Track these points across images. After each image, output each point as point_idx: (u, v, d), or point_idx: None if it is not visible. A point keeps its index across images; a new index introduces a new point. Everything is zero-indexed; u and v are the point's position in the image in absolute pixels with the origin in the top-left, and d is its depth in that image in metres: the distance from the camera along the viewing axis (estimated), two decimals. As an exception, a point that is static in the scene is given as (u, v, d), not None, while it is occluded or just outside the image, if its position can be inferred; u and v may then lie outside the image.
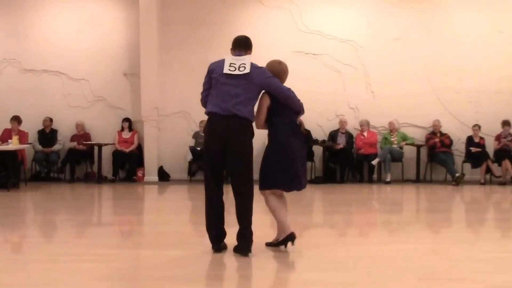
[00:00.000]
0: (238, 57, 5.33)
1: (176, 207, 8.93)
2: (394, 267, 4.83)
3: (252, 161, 5.30)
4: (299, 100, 5.50)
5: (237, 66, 5.24)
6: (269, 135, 5.50)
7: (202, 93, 5.38)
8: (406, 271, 4.71)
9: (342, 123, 12.34)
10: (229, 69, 5.23)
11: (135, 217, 8.03)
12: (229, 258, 5.12)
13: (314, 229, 7.01)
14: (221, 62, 5.35)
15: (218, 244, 5.27)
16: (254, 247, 5.25)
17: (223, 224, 5.31)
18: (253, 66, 5.30)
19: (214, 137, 5.16)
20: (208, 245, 5.35)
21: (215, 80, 5.27)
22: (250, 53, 5.43)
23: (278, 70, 5.56)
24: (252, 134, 5.29)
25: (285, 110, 5.46)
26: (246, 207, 5.22)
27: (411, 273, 4.63)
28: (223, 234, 5.33)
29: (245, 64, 5.25)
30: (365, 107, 12.60)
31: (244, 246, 5.14)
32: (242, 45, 5.43)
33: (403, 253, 5.43)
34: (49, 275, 4.52)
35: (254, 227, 5.23)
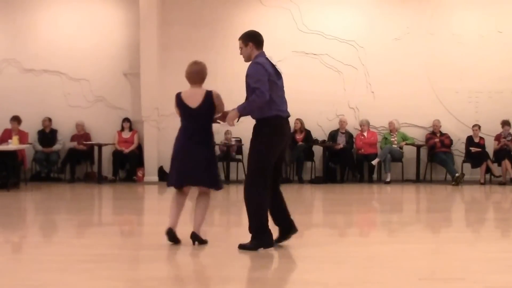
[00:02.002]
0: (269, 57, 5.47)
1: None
2: (394, 267, 4.84)
3: None
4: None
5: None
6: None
7: (267, 92, 5.23)
8: (406, 271, 4.71)
9: (342, 123, 12.34)
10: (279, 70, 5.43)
11: (135, 217, 8.04)
12: (229, 259, 5.12)
13: (314, 229, 7.01)
14: (269, 63, 5.37)
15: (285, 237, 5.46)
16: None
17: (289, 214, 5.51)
18: None
19: (284, 139, 5.42)
20: (208, 244, 5.35)
21: (273, 83, 5.31)
22: None
23: (189, 71, 5.77)
24: None
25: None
26: None
27: (411, 273, 4.63)
28: (291, 225, 5.49)
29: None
30: (365, 107, 12.60)
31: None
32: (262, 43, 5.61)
33: (403, 253, 5.43)
34: (49, 275, 4.52)
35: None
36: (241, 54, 5.56)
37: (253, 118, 5.41)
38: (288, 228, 5.48)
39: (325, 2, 12.67)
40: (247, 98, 5.36)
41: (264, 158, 5.24)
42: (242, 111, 5.30)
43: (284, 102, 5.43)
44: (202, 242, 5.47)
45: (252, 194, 5.25)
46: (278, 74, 5.41)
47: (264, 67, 5.28)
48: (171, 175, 5.60)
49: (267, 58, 5.42)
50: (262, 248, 5.24)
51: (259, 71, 5.24)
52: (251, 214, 5.27)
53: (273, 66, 5.39)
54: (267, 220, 5.28)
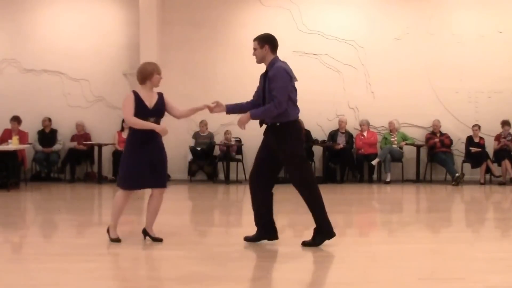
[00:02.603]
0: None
1: (176, 207, 8.92)
2: (394, 267, 4.84)
3: None
4: None
5: None
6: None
7: (285, 103, 5.36)
8: (406, 270, 4.71)
9: (341, 123, 12.34)
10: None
11: (135, 217, 8.03)
12: (229, 259, 5.13)
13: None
14: (290, 68, 5.50)
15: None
16: (252, 248, 5.25)
17: None
18: None
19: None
20: (208, 245, 5.35)
21: (293, 88, 5.48)
22: None
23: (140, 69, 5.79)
24: None
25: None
26: None
27: (411, 273, 4.63)
28: (273, 230, 5.66)
29: None
30: (365, 107, 12.60)
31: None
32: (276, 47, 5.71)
33: (403, 253, 5.44)
34: (49, 275, 4.52)
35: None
36: (254, 54, 5.60)
37: (268, 123, 5.50)
38: (268, 232, 5.53)
39: (325, 2, 12.67)
40: (264, 97, 5.44)
41: (303, 157, 5.45)
42: (255, 117, 5.41)
43: (296, 106, 5.59)
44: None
45: (313, 191, 5.47)
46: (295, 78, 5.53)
47: (289, 74, 5.40)
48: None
49: (285, 63, 5.48)
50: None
51: (285, 78, 5.34)
52: (320, 211, 5.49)
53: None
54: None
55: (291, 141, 5.35)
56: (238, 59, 12.01)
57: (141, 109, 5.56)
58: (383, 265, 4.90)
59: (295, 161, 5.38)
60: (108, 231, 5.72)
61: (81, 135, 12.31)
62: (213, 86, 12.27)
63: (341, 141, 12.25)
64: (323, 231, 5.43)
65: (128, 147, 5.62)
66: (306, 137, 12.29)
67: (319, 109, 12.42)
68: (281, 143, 5.36)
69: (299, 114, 5.59)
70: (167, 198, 10.55)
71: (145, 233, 5.77)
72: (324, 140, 12.35)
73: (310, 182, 5.45)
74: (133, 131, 5.65)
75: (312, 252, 5.36)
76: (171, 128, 12.85)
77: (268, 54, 5.52)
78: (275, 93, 5.26)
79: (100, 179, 11.80)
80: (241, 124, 5.46)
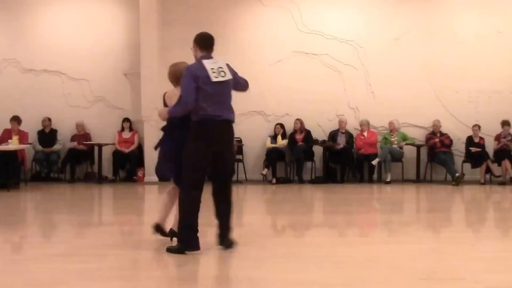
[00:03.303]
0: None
1: (176, 207, 8.91)
2: (394, 267, 4.83)
3: None
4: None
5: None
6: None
7: (189, 102, 5.23)
8: (407, 271, 4.71)
9: (341, 123, 12.33)
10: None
11: (136, 217, 8.03)
12: (229, 258, 5.12)
13: (314, 229, 7.01)
14: (202, 68, 5.34)
15: None
16: (251, 248, 5.24)
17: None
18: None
19: (210, 143, 5.31)
20: (208, 244, 5.35)
21: (201, 89, 5.24)
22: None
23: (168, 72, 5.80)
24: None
25: None
26: None
27: (412, 273, 4.63)
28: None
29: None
30: (365, 107, 12.59)
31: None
32: (213, 45, 5.55)
33: (404, 253, 5.43)
34: (49, 275, 4.52)
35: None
36: None
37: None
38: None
39: (325, 2, 12.66)
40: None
41: (188, 160, 5.21)
42: (169, 114, 5.38)
43: (217, 106, 5.26)
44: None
45: (180, 193, 5.28)
46: (210, 78, 5.27)
47: (193, 74, 5.25)
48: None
49: (202, 62, 5.33)
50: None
51: (185, 78, 5.26)
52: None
53: (213, 69, 5.33)
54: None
55: (188, 142, 5.26)
56: (238, 59, 11.92)
57: None
58: (383, 265, 4.90)
59: (184, 162, 5.25)
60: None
61: (81, 135, 12.31)
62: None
63: (341, 141, 12.24)
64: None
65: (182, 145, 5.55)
66: (306, 137, 12.30)
67: (319, 109, 12.42)
68: (185, 142, 5.32)
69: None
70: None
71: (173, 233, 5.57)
72: (324, 140, 12.35)
73: (185, 185, 5.24)
74: (168, 127, 5.61)
75: (312, 252, 5.36)
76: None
77: (197, 53, 5.53)
78: (181, 92, 5.30)
79: (100, 179, 11.80)
80: (160, 116, 5.57)
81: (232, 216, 5.36)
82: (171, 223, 5.59)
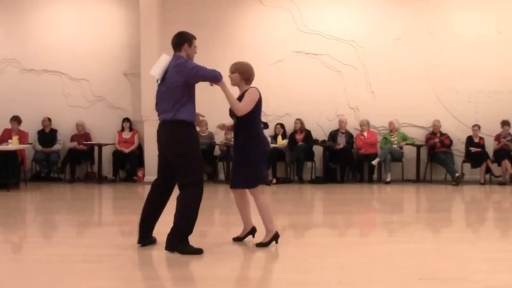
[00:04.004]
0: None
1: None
2: (394, 267, 4.84)
3: None
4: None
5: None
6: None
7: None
8: (406, 270, 4.71)
9: (341, 123, 12.34)
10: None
11: (136, 217, 8.01)
12: (228, 259, 5.12)
13: (314, 229, 7.01)
14: (158, 66, 5.39)
15: None
16: (252, 248, 5.24)
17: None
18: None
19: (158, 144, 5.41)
20: (208, 244, 5.34)
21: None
22: (180, 51, 5.36)
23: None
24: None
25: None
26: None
27: (411, 273, 4.63)
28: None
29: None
30: (365, 107, 12.61)
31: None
32: (172, 45, 5.44)
33: (403, 253, 5.43)
34: (49, 275, 4.52)
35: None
36: None
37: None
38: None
39: (325, 2, 12.67)
40: None
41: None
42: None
43: (159, 106, 5.34)
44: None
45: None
46: (163, 77, 5.30)
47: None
48: (263, 174, 5.53)
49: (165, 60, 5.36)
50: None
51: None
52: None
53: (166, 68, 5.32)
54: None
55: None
56: (238, 59, 11.76)
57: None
58: (383, 265, 4.90)
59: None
60: (265, 242, 5.49)
61: (81, 135, 12.31)
62: (213, 86, 12.25)
63: (341, 141, 12.25)
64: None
65: (255, 146, 5.50)
66: (306, 137, 12.31)
67: (319, 109, 12.43)
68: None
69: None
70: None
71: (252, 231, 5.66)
72: (324, 140, 12.35)
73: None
74: (255, 130, 5.53)
75: (312, 252, 5.36)
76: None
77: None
78: None
79: (100, 179, 11.80)
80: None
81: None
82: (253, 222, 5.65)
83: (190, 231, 5.22)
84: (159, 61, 5.35)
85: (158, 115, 5.35)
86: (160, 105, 5.33)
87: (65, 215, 8.10)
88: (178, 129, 5.20)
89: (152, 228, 5.50)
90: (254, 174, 5.43)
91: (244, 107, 5.40)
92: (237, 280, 4.54)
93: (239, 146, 5.53)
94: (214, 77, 5.30)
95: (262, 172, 5.47)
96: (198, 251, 5.14)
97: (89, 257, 5.13)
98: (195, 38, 5.43)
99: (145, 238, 5.48)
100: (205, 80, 5.33)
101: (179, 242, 5.17)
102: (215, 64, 12.60)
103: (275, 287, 4.43)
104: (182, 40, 5.37)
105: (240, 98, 5.52)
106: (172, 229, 5.24)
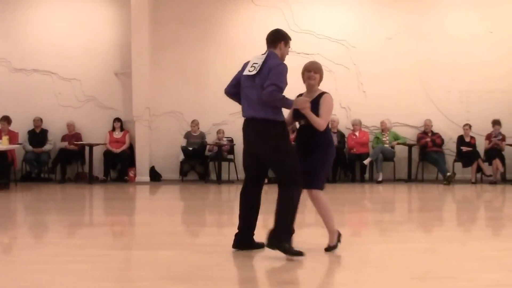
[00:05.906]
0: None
1: (168, 207, 8.90)
2: (386, 267, 4.84)
3: None
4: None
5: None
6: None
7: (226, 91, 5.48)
8: (398, 270, 4.72)
9: (333, 122, 12.33)
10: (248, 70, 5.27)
11: (127, 218, 8.00)
12: (224, 259, 5.10)
13: (306, 228, 7.00)
14: (245, 64, 5.40)
15: None
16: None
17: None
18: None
19: (245, 142, 5.42)
20: (200, 244, 5.33)
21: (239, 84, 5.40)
22: (275, 48, 5.41)
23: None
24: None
25: None
26: None
27: (403, 272, 4.63)
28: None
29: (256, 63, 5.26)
30: (357, 107, 12.62)
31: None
32: (267, 40, 5.43)
33: (395, 252, 5.44)
34: (41, 276, 4.49)
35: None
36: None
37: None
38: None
39: (317, 1, 12.68)
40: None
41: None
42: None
43: (243, 102, 5.36)
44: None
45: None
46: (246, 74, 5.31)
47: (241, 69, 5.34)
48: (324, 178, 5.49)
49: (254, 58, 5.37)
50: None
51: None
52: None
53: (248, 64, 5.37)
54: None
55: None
56: (230, 58, 11.96)
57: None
58: (375, 265, 4.90)
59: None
60: (331, 247, 5.38)
61: (72, 135, 12.25)
62: (205, 85, 12.25)
63: (333, 140, 12.25)
64: None
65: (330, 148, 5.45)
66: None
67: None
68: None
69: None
70: (159, 198, 10.56)
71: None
72: (316, 140, 12.34)
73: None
74: (329, 133, 5.57)
75: (304, 252, 5.34)
76: (162, 128, 12.96)
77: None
78: None
79: (91, 180, 11.74)
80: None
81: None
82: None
83: (293, 231, 5.16)
84: (258, 57, 5.30)
85: (243, 110, 5.29)
86: (244, 101, 5.30)
87: (56, 216, 8.06)
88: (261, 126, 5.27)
89: (253, 232, 5.36)
90: (325, 176, 5.49)
91: (326, 122, 5.42)
92: (231, 280, 4.52)
93: (316, 149, 5.44)
94: (284, 106, 5.41)
95: (328, 174, 5.45)
96: (301, 253, 5.02)
97: (81, 257, 5.10)
98: (291, 39, 5.49)
99: (245, 242, 5.30)
100: (274, 104, 5.30)
101: (285, 240, 5.04)
102: (207, 63, 12.66)
103: (269, 287, 4.42)
104: (279, 37, 5.39)
105: (314, 102, 5.50)
106: (276, 227, 5.13)
